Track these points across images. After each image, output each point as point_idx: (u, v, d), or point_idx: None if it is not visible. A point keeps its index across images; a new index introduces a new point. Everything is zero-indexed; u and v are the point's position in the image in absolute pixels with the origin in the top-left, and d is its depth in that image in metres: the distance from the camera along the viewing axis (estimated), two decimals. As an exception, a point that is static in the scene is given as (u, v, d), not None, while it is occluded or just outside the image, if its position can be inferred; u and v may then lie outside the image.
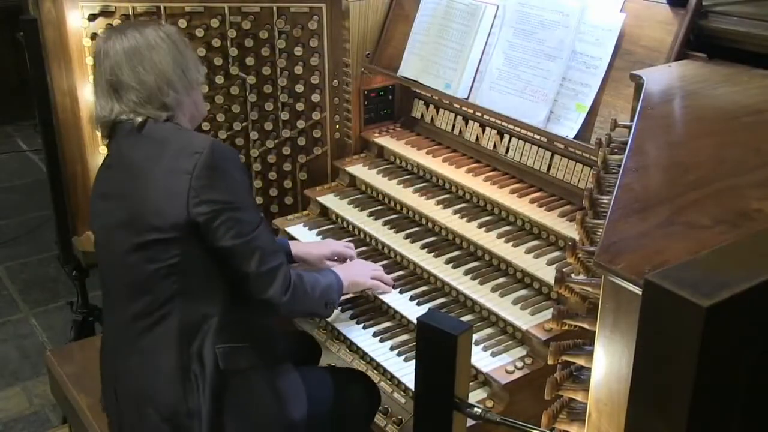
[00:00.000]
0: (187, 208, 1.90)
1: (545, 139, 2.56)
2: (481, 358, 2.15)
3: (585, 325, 1.42)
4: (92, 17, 2.87)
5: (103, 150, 2.97)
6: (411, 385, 2.14)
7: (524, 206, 2.50)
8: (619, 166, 1.52)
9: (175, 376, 1.96)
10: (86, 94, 2.95)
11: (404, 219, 2.72)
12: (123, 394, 2.05)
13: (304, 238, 2.76)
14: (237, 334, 2.02)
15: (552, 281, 1.81)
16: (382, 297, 2.43)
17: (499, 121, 2.71)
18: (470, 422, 1.44)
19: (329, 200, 2.88)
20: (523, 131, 2.64)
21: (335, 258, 2.52)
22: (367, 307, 2.49)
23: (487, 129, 2.78)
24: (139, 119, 2.00)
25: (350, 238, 2.73)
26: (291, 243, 2.53)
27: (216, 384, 1.97)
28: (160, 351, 1.97)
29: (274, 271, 2.01)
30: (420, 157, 2.85)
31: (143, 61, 2.01)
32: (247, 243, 1.96)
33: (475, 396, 2.10)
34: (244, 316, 2.05)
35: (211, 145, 1.93)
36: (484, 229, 2.51)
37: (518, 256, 2.37)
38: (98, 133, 2.92)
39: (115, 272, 2.05)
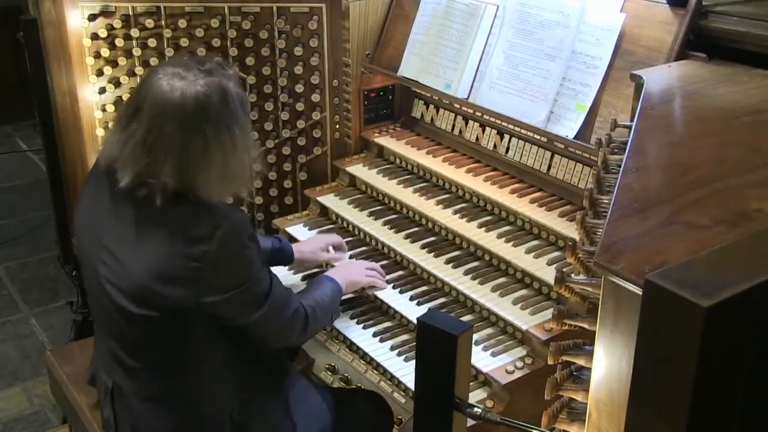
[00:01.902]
0: (196, 298, 1.78)
1: (545, 139, 2.56)
2: (481, 358, 2.15)
3: (585, 325, 1.42)
4: (92, 17, 2.87)
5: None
6: (411, 385, 2.14)
7: (524, 206, 2.50)
8: (619, 166, 1.52)
9: (184, 429, 1.92)
10: (86, 94, 2.95)
11: (404, 219, 2.72)
12: (122, 423, 1.99)
13: (303, 238, 2.75)
14: (249, 382, 1.97)
15: (552, 281, 1.81)
16: (382, 297, 2.44)
17: (499, 121, 2.71)
18: (470, 422, 1.44)
19: (329, 200, 2.88)
20: (523, 131, 2.64)
21: (329, 248, 2.57)
22: (367, 307, 2.49)
23: (487, 129, 2.78)
24: (144, 191, 1.78)
25: (350, 238, 2.73)
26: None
27: None
28: (166, 407, 1.91)
29: (293, 319, 1.99)
30: (420, 157, 2.85)
31: (189, 164, 1.75)
32: (264, 314, 1.88)
33: (475, 396, 2.10)
34: (256, 364, 2.00)
35: (223, 234, 1.75)
36: (484, 229, 2.51)
37: (518, 256, 2.37)
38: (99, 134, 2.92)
39: (109, 327, 1.93)
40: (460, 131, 2.89)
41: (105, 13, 2.87)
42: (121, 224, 1.84)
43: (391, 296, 2.43)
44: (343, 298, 2.34)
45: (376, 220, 2.73)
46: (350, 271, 2.40)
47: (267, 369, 2.06)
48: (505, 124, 2.69)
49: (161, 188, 1.76)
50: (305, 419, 2.08)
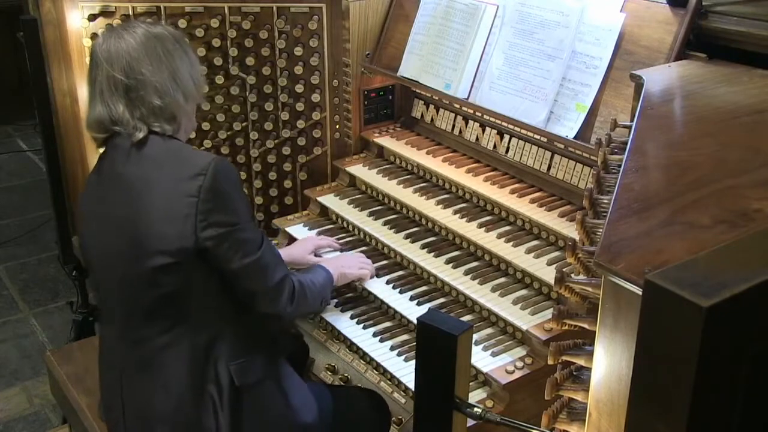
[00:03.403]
0: (195, 233, 1.87)
1: (545, 139, 2.56)
2: (481, 358, 2.15)
3: (585, 325, 1.42)
4: (92, 17, 2.87)
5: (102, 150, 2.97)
6: (411, 385, 2.14)
7: (524, 206, 2.50)
8: (619, 166, 1.52)
9: (188, 397, 1.95)
10: (86, 94, 2.93)
11: (404, 219, 2.72)
12: (130, 413, 2.02)
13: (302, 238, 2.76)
14: (247, 348, 2.02)
15: (552, 281, 1.81)
16: (382, 297, 2.43)
17: (499, 121, 2.71)
18: (470, 422, 1.44)
19: (329, 200, 2.88)
20: (523, 131, 2.64)
21: (318, 252, 2.60)
22: (367, 307, 2.49)
23: (487, 129, 2.78)
24: (140, 135, 1.92)
25: (350, 238, 2.73)
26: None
27: (233, 402, 1.97)
28: (171, 374, 1.96)
29: (281, 283, 2.04)
30: (420, 157, 2.85)
31: (161, 64, 1.94)
32: (255, 261, 1.95)
33: (475, 396, 2.10)
34: (253, 329, 2.06)
35: (214, 167, 1.88)
36: (484, 229, 2.51)
37: (518, 256, 2.37)
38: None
39: (117, 296, 2.01)
40: (460, 131, 2.89)
41: (105, 13, 2.88)
42: (127, 191, 1.93)
43: (391, 296, 2.43)
44: (343, 297, 2.35)
45: (376, 220, 2.73)
46: (343, 263, 2.43)
47: (263, 345, 2.08)
48: (505, 124, 2.69)
49: (152, 110, 1.93)
50: (301, 405, 2.11)
